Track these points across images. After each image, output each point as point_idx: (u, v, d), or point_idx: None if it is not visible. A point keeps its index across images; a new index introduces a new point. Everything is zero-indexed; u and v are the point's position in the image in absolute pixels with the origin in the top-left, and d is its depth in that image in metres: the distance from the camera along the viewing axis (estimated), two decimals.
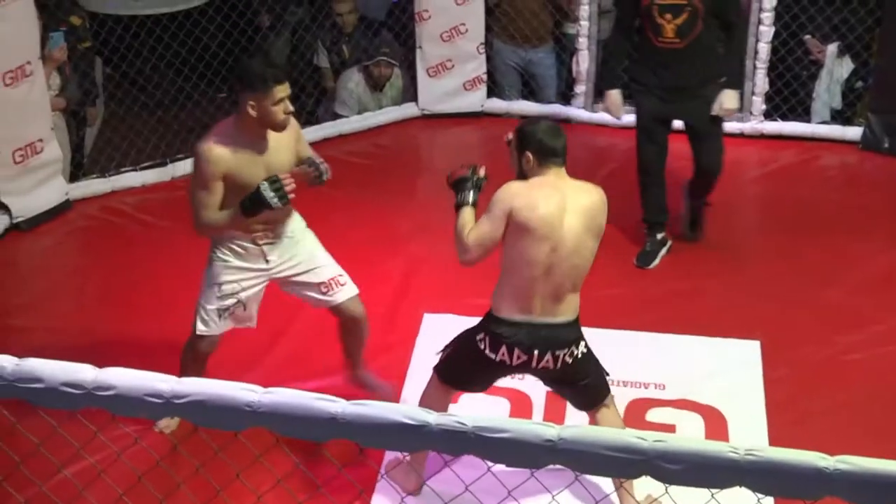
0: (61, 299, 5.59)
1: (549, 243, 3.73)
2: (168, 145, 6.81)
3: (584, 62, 7.24)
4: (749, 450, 2.16)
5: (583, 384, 3.99)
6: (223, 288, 4.31)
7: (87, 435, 2.79)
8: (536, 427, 2.24)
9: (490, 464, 2.40)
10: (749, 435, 4.51)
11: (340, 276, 4.42)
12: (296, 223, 4.37)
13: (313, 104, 7.36)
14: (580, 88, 7.33)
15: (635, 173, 5.90)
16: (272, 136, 4.08)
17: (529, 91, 7.53)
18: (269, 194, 3.98)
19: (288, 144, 4.16)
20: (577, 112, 7.37)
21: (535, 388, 4.74)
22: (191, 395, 2.33)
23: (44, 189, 6.12)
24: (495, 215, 3.77)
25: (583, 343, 3.93)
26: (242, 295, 4.34)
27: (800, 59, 7.10)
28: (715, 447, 2.18)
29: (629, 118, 7.02)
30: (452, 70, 7.35)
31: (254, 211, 4.03)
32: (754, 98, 7.06)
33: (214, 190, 4.05)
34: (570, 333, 3.87)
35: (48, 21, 6.05)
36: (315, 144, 6.79)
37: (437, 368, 4.12)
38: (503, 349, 3.84)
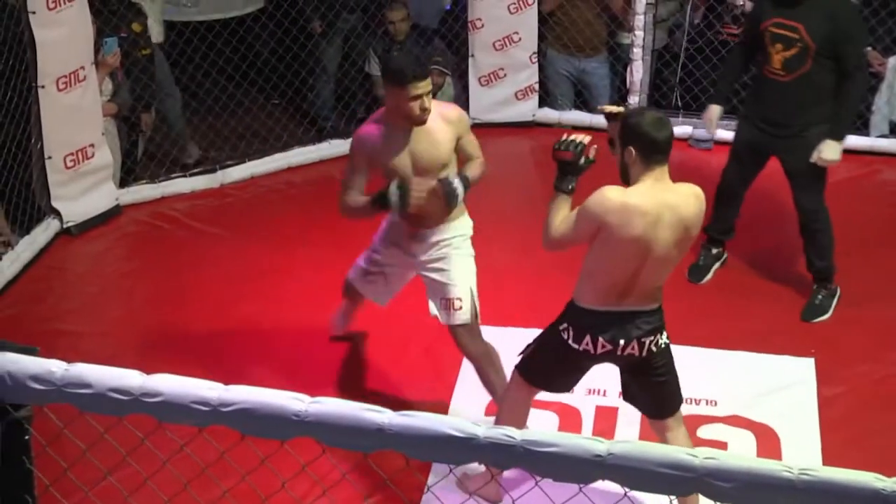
0: (110, 304, 5.64)
1: (639, 258, 3.69)
2: (218, 151, 6.87)
3: (637, 72, 7.21)
4: (803, 469, 2.13)
5: (662, 380, 3.94)
6: (373, 255, 4.60)
7: (134, 441, 2.81)
8: (585, 441, 2.22)
9: (538, 478, 2.39)
10: (802, 454, 4.47)
11: (459, 300, 4.40)
12: (454, 234, 4.42)
13: (364, 112, 7.36)
14: (634, 99, 7.28)
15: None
16: (425, 128, 4.23)
17: (582, 101, 7.51)
18: (393, 197, 4.18)
19: (444, 138, 4.27)
20: None
21: (584, 402, 4.73)
22: (238, 403, 2.34)
23: (94, 194, 6.19)
24: (583, 226, 3.72)
25: (666, 334, 3.89)
26: (387, 269, 4.58)
27: None
28: (768, 466, 2.15)
29: (678, 130, 7.09)
30: (504, 79, 7.35)
31: (381, 206, 4.23)
32: None
33: (357, 172, 4.32)
34: (656, 320, 3.84)
35: (102, 26, 6.11)
36: None
37: (519, 367, 4.07)
38: (587, 338, 3.81)
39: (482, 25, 7.20)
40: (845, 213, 6.31)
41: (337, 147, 6.99)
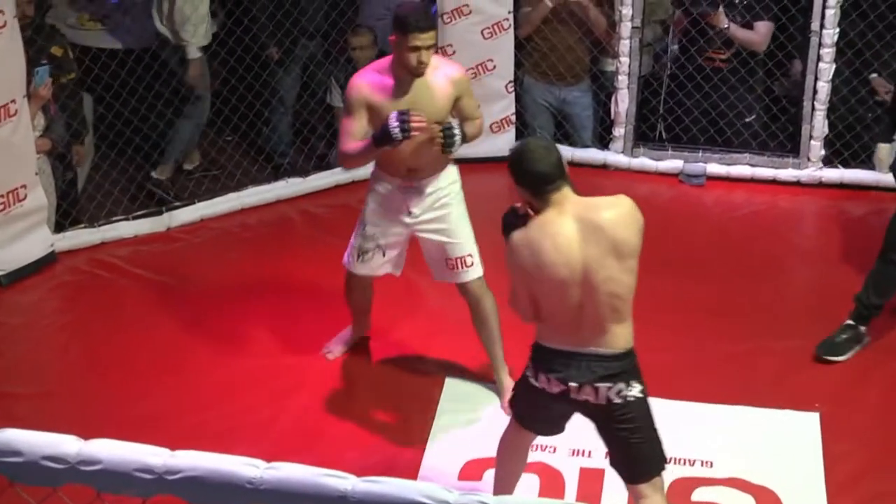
0: (45, 362, 5.59)
1: (573, 286, 3.81)
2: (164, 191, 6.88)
3: (623, 102, 7.26)
4: None
5: (631, 438, 3.97)
6: (366, 230, 5.03)
7: None
8: None
9: None
10: None
11: (470, 255, 4.97)
12: (448, 182, 4.93)
13: (324, 147, 7.40)
14: (619, 131, 7.34)
15: (680, 226, 5.86)
16: (426, 82, 4.72)
17: (563, 134, 7.55)
18: (392, 124, 4.55)
19: (443, 95, 4.76)
20: (615, 157, 7.38)
21: (567, 463, 4.74)
22: (186, 471, 2.33)
23: (27, 240, 6.13)
24: (515, 283, 3.95)
25: (638, 386, 3.93)
26: (382, 241, 5.01)
27: (864, 99, 7.12)
28: None
29: (668, 164, 7.14)
30: None
31: (383, 141, 4.61)
32: (812, 143, 7.06)
33: (356, 118, 4.74)
34: (617, 367, 3.89)
35: (35, 55, 6.08)
36: (326, 192, 7.03)
37: (510, 407, 4.34)
38: (542, 376, 3.95)
39: (453, 52, 7.23)
40: (852, 255, 6.44)
41: (294, 186, 7.05)
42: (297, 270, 6.20)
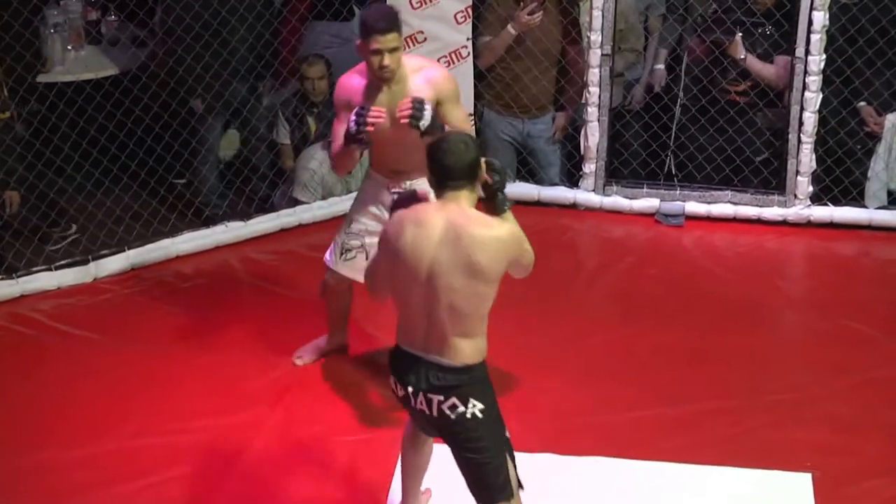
0: None
1: (418, 284, 4.09)
2: (91, 239, 6.87)
3: (593, 136, 7.34)
4: None
5: (470, 457, 4.19)
6: (352, 225, 5.46)
7: None
8: None
9: None
10: None
11: None
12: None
13: (267, 187, 7.46)
14: (589, 168, 7.43)
15: (657, 270, 5.94)
16: (404, 84, 5.10)
17: (528, 171, 7.64)
18: (350, 119, 4.94)
19: (422, 97, 4.97)
20: (585, 196, 7.48)
21: None
22: None
23: None
24: (378, 256, 4.33)
25: (479, 405, 4.14)
26: (367, 240, 5.36)
27: (853, 131, 7.22)
28: None
29: (643, 203, 7.24)
30: None
31: (348, 139, 5.01)
32: (799, 179, 7.16)
33: (341, 120, 5.16)
34: (453, 380, 4.12)
35: None
36: (270, 237, 7.08)
37: None
38: (392, 378, 4.28)
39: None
40: (843, 298, 6.57)
41: (235, 231, 7.10)
42: (239, 323, 6.22)
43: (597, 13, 7.13)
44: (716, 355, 5.99)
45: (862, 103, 7.22)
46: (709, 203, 7.33)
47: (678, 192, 7.36)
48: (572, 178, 7.59)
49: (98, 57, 7.51)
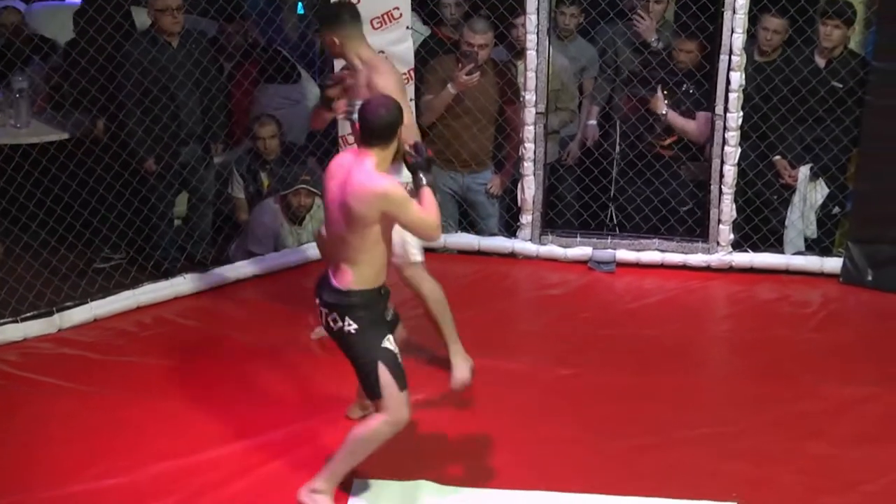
0: None
1: (328, 208, 4.88)
2: (55, 292, 6.87)
3: (529, 189, 7.47)
4: None
5: (355, 366, 4.92)
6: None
7: None
8: None
9: None
10: None
11: (409, 242, 5.74)
12: (405, 178, 5.21)
13: (223, 241, 7.52)
14: (526, 218, 7.56)
15: (591, 314, 6.07)
16: (356, 74, 5.78)
17: (469, 222, 7.79)
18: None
19: (363, 92, 5.62)
20: (522, 245, 7.61)
21: None
22: None
23: None
24: None
25: (353, 325, 4.83)
26: None
27: (770, 183, 7.39)
28: None
29: (577, 251, 7.40)
30: None
31: (321, 101, 6.02)
32: (721, 227, 7.37)
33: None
34: (334, 298, 4.84)
35: None
36: (228, 287, 7.11)
37: None
38: None
39: (354, 142, 7.36)
40: (763, 339, 6.71)
41: (193, 282, 7.14)
42: (200, 371, 6.25)
43: (531, 74, 7.28)
44: (646, 393, 6.07)
45: (777, 157, 7.39)
46: (638, 251, 7.49)
47: (609, 240, 7.50)
48: (510, 228, 7.71)
49: (59, 121, 7.57)
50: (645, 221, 7.49)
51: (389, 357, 4.89)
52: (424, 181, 4.85)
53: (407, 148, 4.89)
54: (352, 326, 4.84)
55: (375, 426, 4.94)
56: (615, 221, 7.68)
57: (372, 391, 4.92)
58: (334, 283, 4.83)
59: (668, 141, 7.47)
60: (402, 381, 4.91)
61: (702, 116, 7.38)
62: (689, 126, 7.43)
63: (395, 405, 4.90)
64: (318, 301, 4.92)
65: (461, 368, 5.95)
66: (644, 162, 7.44)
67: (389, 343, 4.91)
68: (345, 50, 5.86)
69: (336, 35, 5.84)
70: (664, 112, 7.37)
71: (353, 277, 4.82)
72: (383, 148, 4.76)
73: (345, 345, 4.92)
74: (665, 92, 7.36)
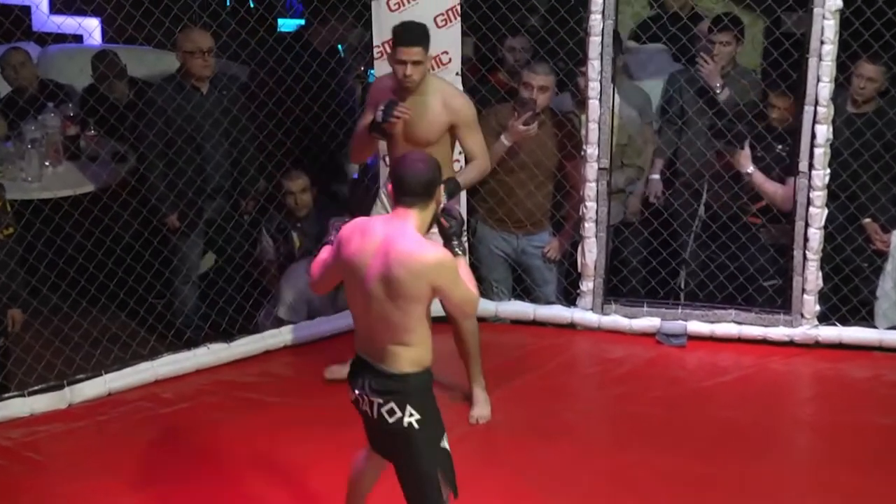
0: None
1: (359, 284, 4.45)
2: (66, 363, 6.74)
3: (590, 252, 7.25)
4: None
5: (402, 463, 4.52)
6: None
7: None
8: None
9: None
10: None
11: None
12: None
13: (251, 307, 7.36)
14: (587, 285, 7.34)
15: (658, 393, 5.89)
16: (424, 103, 5.87)
17: (523, 289, 7.57)
18: (379, 108, 5.79)
19: (437, 120, 5.88)
20: (582, 314, 7.39)
21: None
22: None
23: None
24: (334, 245, 4.62)
25: (415, 415, 4.42)
26: None
27: (860, 248, 7.19)
28: None
29: (644, 322, 7.26)
30: None
31: (372, 126, 5.86)
32: (806, 297, 7.10)
33: (367, 114, 6.03)
34: (391, 385, 4.44)
35: None
36: (254, 359, 7.04)
37: None
38: (349, 383, 4.62)
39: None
40: (852, 425, 6.48)
41: (217, 353, 6.96)
42: (224, 453, 6.08)
43: (593, 126, 7.09)
44: (723, 482, 5.88)
45: (867, 220, 7.17)
46: (712, 322, 7.28)
47: (680, 310, 7.33)
48: (569, 296, 7.53)
49: (76, 173, 7.50)
50: (720, 290, 7.30)
51: (448, 463, 4.56)
52: (459, 250, 4.62)
53: (440, 211, 4.65)
54: (414, 417, 4.44)
55: None
56: (686, 289, 7.51)
57: (427, 501, 4.56)
58: (383, 367, 4.46)
59: (759, 206, 7.25)
60: (454, 488, 4.59)
61: (791, 182, 7.13)
62: (780, 192, 7.18)
63: None
64: (357, 391, 4.54)
65: (482, 404, 6.25)
66: (719, 223, 7.24)
67: (446, 443, 4.56)
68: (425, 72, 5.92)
69: (428, 55, 5.91)
70: (749, 171, 7.09)
71: (408, 359, 4.46)
72: (422, 209, 4.46)
73: (403, 442, 4.50)
74: (749, 147, 7.10)
